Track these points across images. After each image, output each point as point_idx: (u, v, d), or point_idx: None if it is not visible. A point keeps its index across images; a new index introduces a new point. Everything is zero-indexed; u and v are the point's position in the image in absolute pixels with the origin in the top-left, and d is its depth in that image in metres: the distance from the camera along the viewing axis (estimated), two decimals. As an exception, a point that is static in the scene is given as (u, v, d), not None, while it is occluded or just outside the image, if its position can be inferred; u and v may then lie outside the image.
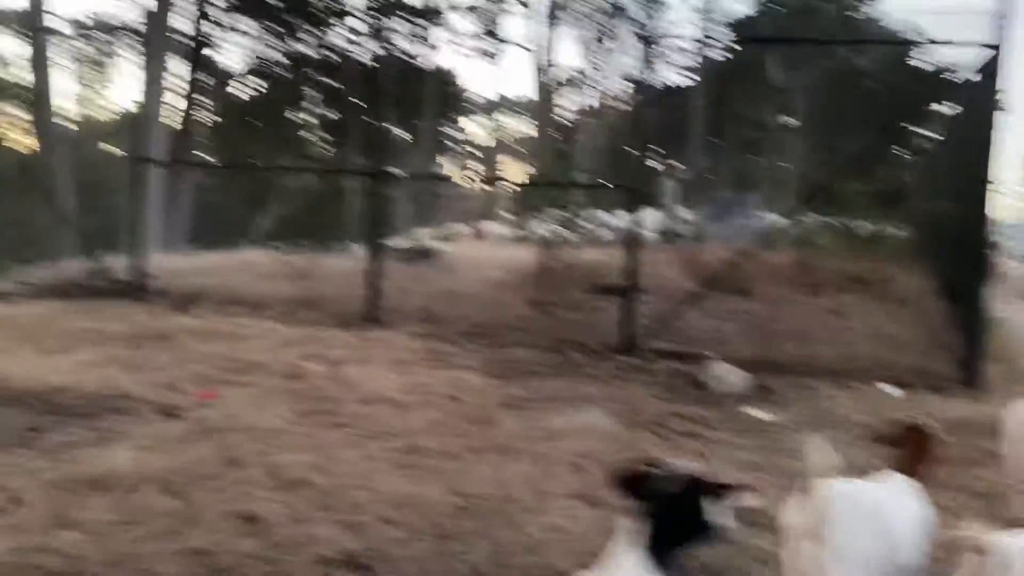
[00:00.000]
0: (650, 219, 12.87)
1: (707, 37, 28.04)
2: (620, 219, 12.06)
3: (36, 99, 19.61)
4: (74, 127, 29.44)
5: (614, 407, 5.28)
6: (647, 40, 13.28)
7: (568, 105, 34.57)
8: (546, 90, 30.09)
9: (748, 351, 6.76)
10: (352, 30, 23.04)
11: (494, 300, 8.63)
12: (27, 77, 22.06)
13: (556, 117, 32.47)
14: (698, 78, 29.12)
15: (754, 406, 5.58)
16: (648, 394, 5.81)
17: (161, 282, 9.00)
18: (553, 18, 29.25)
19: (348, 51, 23.16)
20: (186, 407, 4.73)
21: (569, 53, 62.92)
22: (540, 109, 30.73)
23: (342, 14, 22.01)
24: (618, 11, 28.38)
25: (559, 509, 3.58)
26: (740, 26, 29.30)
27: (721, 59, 29.66)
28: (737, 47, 28.25)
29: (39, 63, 19.10)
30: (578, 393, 5.71)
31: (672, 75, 29.70)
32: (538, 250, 10.06)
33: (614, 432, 4.76)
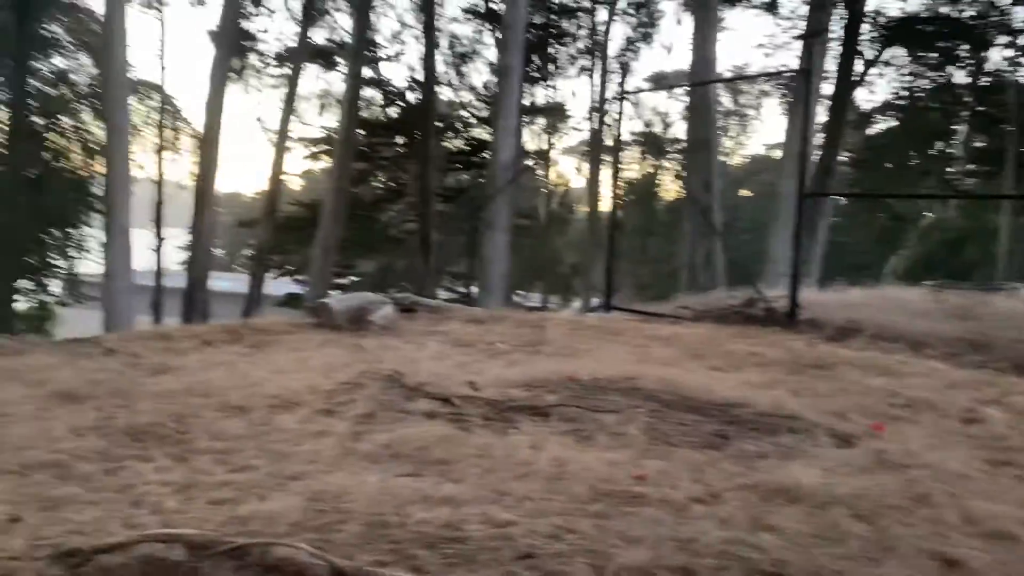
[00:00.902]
0: None
1: None
2: None
3: (692, 147, 22.02)
4: (722, 171, 32.42)
5: None
6: None
7: None
8: None
9: None
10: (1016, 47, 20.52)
11: None
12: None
13: None
14: None
15: None
16: None
17: (809, 313, 9.20)
18: None
19: (1009, 72, 20.67)
20: (857, 436, 4.67)
21: None
22: None
23: (1011, 31, 19.70)
24: None
25: None
26: None
27: None
28: None
29: (697, 115, 21.39)
30: None
31: None
32: None
33: None
